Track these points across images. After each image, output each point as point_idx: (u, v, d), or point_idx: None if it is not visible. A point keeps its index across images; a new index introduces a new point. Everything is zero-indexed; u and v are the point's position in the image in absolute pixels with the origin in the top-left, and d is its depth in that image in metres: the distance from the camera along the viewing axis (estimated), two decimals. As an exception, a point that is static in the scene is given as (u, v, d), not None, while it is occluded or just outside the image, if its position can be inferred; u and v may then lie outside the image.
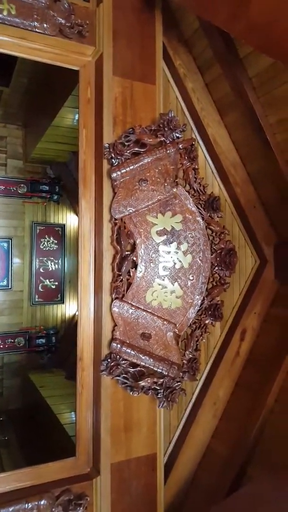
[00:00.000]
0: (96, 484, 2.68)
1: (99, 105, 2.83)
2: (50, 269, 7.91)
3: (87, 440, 2.81)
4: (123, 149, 2.72)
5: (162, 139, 2.80)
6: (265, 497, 2.11)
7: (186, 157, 2.93)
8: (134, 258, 2.75)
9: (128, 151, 2.74)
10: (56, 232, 8.05)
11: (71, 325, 7.74)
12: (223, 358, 3.28)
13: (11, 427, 6.58)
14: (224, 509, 2.31)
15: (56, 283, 7.96)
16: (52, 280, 7.91)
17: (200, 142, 3.31)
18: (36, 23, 2.58)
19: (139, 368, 2.73)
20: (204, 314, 2.98)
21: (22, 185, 7.59)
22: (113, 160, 2.70)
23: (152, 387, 2.72)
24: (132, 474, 2.76)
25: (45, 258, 7.88)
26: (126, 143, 2.74)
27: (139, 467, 2.79)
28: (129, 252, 2.75)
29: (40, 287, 7.78)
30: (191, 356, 2.93)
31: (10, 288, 7.60)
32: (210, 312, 2.99)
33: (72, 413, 5.46)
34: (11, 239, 7.62)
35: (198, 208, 2.97)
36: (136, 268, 2.76)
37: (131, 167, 2.72)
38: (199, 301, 2.95)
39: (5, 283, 7.51)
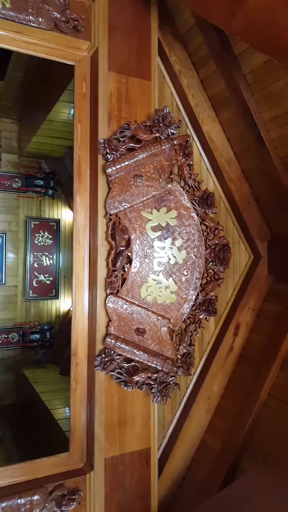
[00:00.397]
0: (89, 479, 2.69)
1: (94, 100, 2.83)
2: (45, 264, 7.91)
3: (81, 435, 2.82)
4: (118, 145, 2.72)
5: (157, 135, 2.80)
6: (258, 489, 2.13)
7: (181, 153, 2.93)
8: (129, 254, 2.76)
9: (123, 147, 2.74)
10: (51, 227, 8.04)
11: (66, 320, 7.75)
12: (217, 353, 3.30)
13: (5, 423, 6.58)
14: (217, 502, 2.33)
15: (51, 278, 7.95)
16: (47, 275, 7.91)
17: (195, 138, 3.32)
18: (31, 17, 2.57)
19: (133, 363, 2.74)
20: (198, 309, 3.00)
21: (16, 179, 7.57)
22: (108, 156, 2.70)
23: (146, 382, 2.73)
24: (126, 469, 2.78)
25: (40, 253, 7.87)
26: (121, 139, 2.74)
27: (133, 462, 2.81)
28: (124, 248, 2.76)
29: (34, 282, 7.77)
30: (185, 351, 2.94)
31: (4, 283, 7.59)
32: (204, 308, 3.01)
33: (66, 408, 5.48)
34: (5, 234, 7.60)
35: (193, 204, 2.98)
36: (130, 264, 2.76)
37: (126, 163, 2.72)
38: (194, 297, 2.97)
39: (-1, 278, 7.51)
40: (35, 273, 7.80)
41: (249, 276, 3.40)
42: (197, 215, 2.99)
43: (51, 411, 5.45)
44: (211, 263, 3.06)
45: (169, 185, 2.86)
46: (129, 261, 2.77)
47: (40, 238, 7.89)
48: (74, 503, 2.56)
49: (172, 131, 2.84)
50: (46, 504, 2.50)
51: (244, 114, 2.94)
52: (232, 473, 2.93)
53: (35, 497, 2.48)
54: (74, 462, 2.78)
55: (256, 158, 3.12)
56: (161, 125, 2.80)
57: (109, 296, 2.70)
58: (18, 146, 7.73)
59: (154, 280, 2.83)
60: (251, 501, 2.08)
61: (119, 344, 2.68)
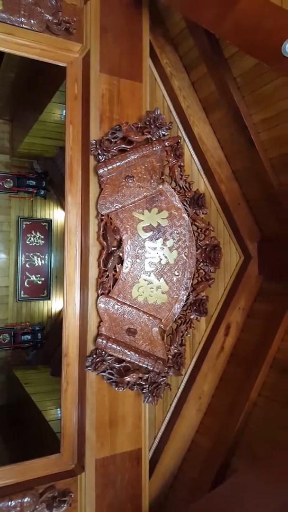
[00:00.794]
0: (80, 480, 2.68)
1: (86, 102, 2.84)
2: (36, 264, 7.88)
3: (72, 436, 2.81)
4: (109, 146, 2.73)
5: (149, 136, 2.82)
6: (249, 489, 2.14)
7: (172, 155, 2.95)
8: (120, 254, 2.77)
9: (114, 148, 2.75)
10: (43, 227, 8.02)
11: (57, 321, 7.73)
12: (208, 353, 3.32)
13: (-4, 424, 6.55)
14: (207, 502, 2.34)
15: (42, 279, 7.93)
16: (38, 275, 7.89)
17: (186, 140, 3.34)
18: (23, 19, 2.58)
19: (124, 364, 2.75)
20: (189, 310, 3.02)
21: (8, 179, 7.55)
22: (99, 157, 2.71)
23: (138, 382, 2.74)
24: (117, 470, 2.78)
25: (31, 254, 7.84)
26: (112, 140, 2.75)
27: (124, 463, 2.81)
28: (115, 248, 2.77)
29: (26, 283, 7.75)
30: (176, 351, 2.96)
31: (-4, 284, 7.56)
32: (195, 308, 3.03)
33: (57, 409, 5.47)
34: (-4, 234, 7.57)
35: (184, 204, 3.00)
36: (122, 264, 2.77)
37: (118, 164, 2.73)
38: (185, 297, 2.99)
39: (-10, 279, 7.47)
40: (27, 273, 7.77)
41: (240, 276, 3.43)
42: (188, 216, 3.01)
43: (42, 412, 5.43)
44: (202, 264, 3.09)
45: (160, 186, 2.88)
46: (121, 261, 2.78)
47: (31, 238, 7.86)
48: (65, 505, 2.54)
49: (163, 132, 2.86)
50: (37, 506, 2.47)
51: (235, 116, 2.97)
52: (223, 473, 2.95)
53: (26, 499, 2.45)
54: (65, 463, 2.77)
55: (246, 160, 3.16)
56: (152, 126, 2.82)
57: (100, 297, 2.71)
58: (10, 146, 7.71)
59: (145, 280, 2.84)
60: (241, 500, 2.09)
61: (110, 344, 2.68)
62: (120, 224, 2.77)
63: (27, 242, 7.82)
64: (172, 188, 2.96)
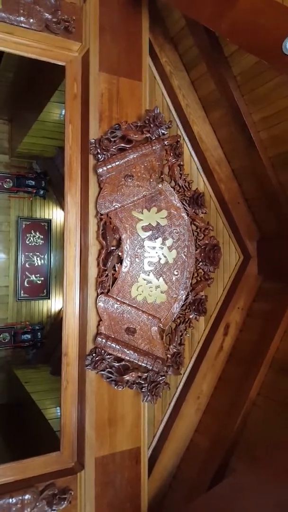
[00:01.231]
0: (80, 478, 2.69)
1: (85, 101, 2.84)
2: (36, 264, 7.88)
3: (71, 435, 2.82)
4: (109, 145, 2.73)
5: (148, 135, 2.82)
6: (246, 490, 2.14)
7: (171, 154, 2.95)
8: (120, 253, 2.77)
9: (114, 147, 2.75)
10: (42, 227, 8.02)
11: (57, 320, 7.74)
12: (207, 352, 3.32)
13: (-4, 423, 6.56)
14: (205, 502, 2.34)
15: (42, 278, 7.93)
16: (38, 275, 7.88)
17: (186, 138, 3.34)
18: (22, 18, 2.58)
19: (123, 363, 2.75)
20: (188, 309, 3.02)
21: (8, 179, 7.54)
22: (99, 156, 2.71)
23: (137, 381, 2.75)
24: (116, 468, 2.78)
25: (31, 253, 7.84)
26: (112, 139, 2.75)
27: (123, 461, 2.81)
28: (114, 247, 2.77)
29: (25, 283, 7.74)
30: (175, 350, 2.96)
31: (-5, 284, 7.56)
32: (194, 307, 3.03)
33: (57, 408, 5.47)
34: (-4, 234, 7.57)
35: (183, 204, 3.00)
36: (121, 263, 2.77)
37: (117, 163, 2.73)
38: (184, 296, 2.99)
39: (-10, 278, 7.47)
40: (27, 273, 7.77)
41: (239, 276, 3.43)
42: (188, 215, 3.01)
43: (42, 411, 5.43)
44: (201, 263, 3.09)
45: (160, 185, 2.88)
46: (120, 260, 2.78)
47: (31, 238, 7.86)
48: (65, 502, 2.55)
49: (163, 131, 2.86)
50: (37, 504, 2.49)
51: (234, 115, 2.97)
52: (221, 472, 2.95)
53: (26, 497, 2.47)
54: (65, 461, 2.78)
55: (246, 159, 3.15)
56: (151, 125, 2.81)
57: (99, 296, 2.71)
58: (9, 146, 7.70)
59: (144, 279, 2.84)
60: (239, 500, 2.09)
61: (110, 343, 2.68)
62: (119, 224, 2.77)
63: (26, 242, 7.82)
64: (172, 187, 2.96)
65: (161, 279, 2.90)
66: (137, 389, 2.75)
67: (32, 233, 7.87)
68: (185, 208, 3.00)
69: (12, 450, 5.21)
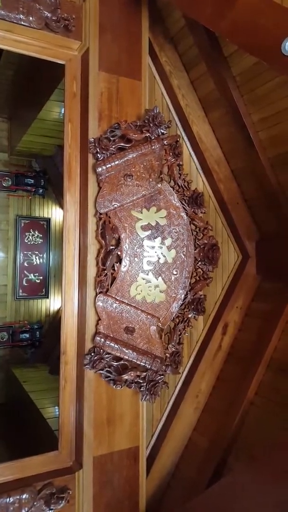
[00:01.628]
0: (78, 477, 2.69)
1: (84, 100, 2.84)
2: (35, 263, 7.88)
3: (70, 434, 2.82)
4: (108, 144, 2.73)
5: (147, 134, 2.82)
6: (244, 489, 2.14)
7: (171, 153, 2.95)
8: (119, 253, 2.77)
9: (113, 146, 2.75)
10: (41, 226, 8.01)
11: (56, 319, 7.73)
12: (206, 351, 3.33)
13: (-6, 422, 6.55)
14: (203, 502, 2.34)
15: (41, 277, 7.92)
16: (37, 274, 7.88)
17: (185, 138, 3.34)
18: (22, 16, 2.57)
19: (122, 362, 2.75)
20: (187, 308, 3.02)
21: (6, 178, 7.53)
22: (98, 155, 2.71)
23: (135, 380, 2.75)
24: (114, 467, 2.79)
25: (30, 252, 7.83)
26: (111, 138, 2.75)
27: (122, 460, 2.82)
28: (113, 247, 2.77)
29: (24, 282, 7.74)
30: (174, 349, 2.96)
31: (-6, 282, 7.55)
32: (193, 306, 3.03)
33: (56, 407, 5.47)
34: (-6, 232, 7.56)
35: (182, 203, 3.00)
36: (120, 263, 2.78)
37: (116, 162, 2.73)
38: (183, 296, 2.99)
39: (-12, 277, 7.47)
40: (25, 272, 7.77)
41: (238, 276, 3.43)
42: (187, 215, 3.01)
43: (40, 410, 5.43)
44: (200, 263, 3.09)
45: (159, 185, 2.88)
46: (119, 260, 2.78)
47: (30, 237, 7.85)
48: (63, 502, 2.56)
49: (162, 131, 2.86)
50: (35, 503, 2.50)
51: (234, 115, 2.97)
52: (220, 471, 2.96)
53: (24, 496, 2.47)
54: (63, 461, 2.78)
55: (245, 159, 3.16)
56: (151, 125, 2.81)
57: (98, 295, 2.71)
58: (9, 144, 7.69)
59: (143, 279, 2.84)
60: (237, 499, 2.10)
61: (108, 342, 2.69)
62: (118, 223, 2.77)
63: (25, 240, 7.81)
64: (171, 187, 2.97)
65: (160, 278, 2.90)
66: (135, 388, 2.75)
67: (31, 232, 7.86)
68: (184, 208, 3.00)
69: (10, 449, 5.21)
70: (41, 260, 7.95)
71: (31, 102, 6.05)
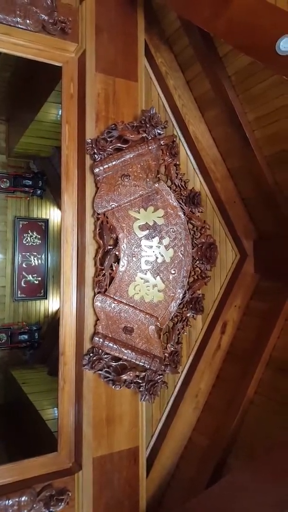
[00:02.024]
0: (78, 478, 2.69)
1: (82, 101, 2.85)
2: (33, 264, 7.87)
3: (69, 435, 2.82)
4: (105, 145, 2.74)
5: (144, 135, 2.83)
6: (243, 489, 2.15)
7: (167, 153, 2.96)
8: (117, 253, 2.78)
9: (110, 147, 2.76)
10: (39, 227, 8.01)
11: (54, 321, 7.72)
12: (205, 351, 3.33)
13: (-7, 424, 6.54)
14: (203, 501, 2.34)
15: (39, 278, 7.92)
16: (35, 275, 7.87)
17: (182, 138, 3.35)
18: (19, 19, 2.58)
19: (121, 362, 2.76)
20: (186, 308, 3.03)
21: (5, 179, 7.53)
22: (95, 156, 2.72)
23: (134, 380, 2.75)
24: (114, 468, 2.79)
25: (28, 253, 7.83)
26: (108, 139, 2.76)
27: (121, 461, 2.82)
28: (111, 247, 2.78)
29: (22, 283, 7.73)
30: (173, 349, 2.97)
31: (-8, 284, 7.55)
32: (191, 306, 3.04)
33: (55, 409, 5.46)
34: (-7, 234, 7.56)
35: (180, 203, 3.01)
36: (118, 263, 2.78)
37: (114, 163, 2.74)
38: (181, 295, 3.00)
39: (-13, 279, 7.46)
40: (24, 273, 7.76)
41: (236, 274, 3.44)
42: (184, 214, 3.02)
43: (39, 412, 5.43)
44: (198, 262, 3.10)
45: (156, 185, 2.89)
46: (117, 260, 2.79)
47: (28, 238, 7.85)
48: (62, 504, 2.55)
49: (159, 131, 2.87)
50: (34, 505, 2.48)
51: (229, 115, 2.98)
52: (219, 471, 2.96)
53: (23, 498, 2.46)
54: (63, 462, 2.78)
55: (241, 158, 3.17)
56: (147, 125, 2.82)
57: (97, 295, 2.72)
58: (7, 146, 7.69)
59: (141, 278, 2.85)
60: (237, 499, 2.10)
61: (107, 343, 2.69)
62: (116, 223, 2.78)
63: (23, 241, 7.81)
64: (168, 186, 2.98)
65: (158, 278, 2.91)
66: (135, 388, 2.76)
67: (29, 233, 7.86)
68: (181, 207, 3.01)
69: (9, 451, 5.20)
70: (39, 261, 7.95)
71: (28, 104, 6.06)
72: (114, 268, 2.78)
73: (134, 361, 2.76)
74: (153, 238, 2.89)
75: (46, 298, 8.03)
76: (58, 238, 7.70)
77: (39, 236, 7.96)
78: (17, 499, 2.45)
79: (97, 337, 2.68)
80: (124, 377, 2.72)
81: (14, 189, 7.66)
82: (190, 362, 3.39)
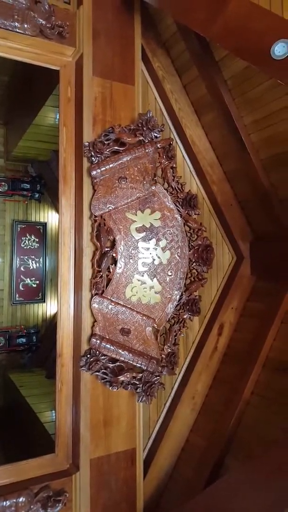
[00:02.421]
0: (75, 480, 2.69)
1: (79, 105, 2.88)
2: (31, 267, 7.87)
3: (66, 436, 2.83)
4: (102, 148, 2.76)
5: (141, 138, 2.85)
6: (241, 488, 2.16)
7: (164, 156, 2.99)
8: (114, 255, 2.80)
9: (107, 150, 2.78)
10: (37, 231, 8.02)
11: (52, 324, 7.71)
12: (202, 352, 3.35)
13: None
14: (201, 502, 2.35)
15: (37, 281, 7.92)
16: (33, 279, 7.88)
17: (178, 141, 3.38)
18: (16, 24, 2.61)
19: (118, 363, 2.77)
20: (183, 309, 3.05)
21: (3, 183, 7.54)
22: (93, 159, 2.74)
23: (131, 381, 2.76)
24: (111, 469, 2.79)
25: (26, 257, 7.83)
26: (105, 142, 2.79)
27: (119, 462, 2.82)
28: (108, 249, 2.79)
29: (20, 286, 7.73)
30: (169, 350, 2.98)
31: (-10, 288, 7.55)
32: (188, 307, 3.06)
33: (52, 411, 5.46)
34: (-9, 237, 7.57)
35: (176, 205, 3.04)
36: (115, 264, 2.80)
37: (111, 165, 2.77)
38: (178, 297, 3.02)
39: (-15, 282, 7.46)
40: (22, 276, 7.76)
41: (232, 276, 3.46)
42: (181, 216, 3.05)
43: (37, 414, 5.42)
44: (194, 264, 3.12)
45: (153, 187, 2.92)
46: (114, 262, 2.81)
47: (26, 241, 7.86)
48: (60, 505, 2.55)
49: (156, 134, 2.89)
50: (32, 506, 2.48)
51: (226, 118, 3.01)
52: (217, 471, 2.97)
53: (21, 499, 2.46)
54: (60, 463, 2.78)
55: (237, 161, 3.19)
56: (144, 128, 2.85)
57: (94, 297, 2.73)
58: (5, 150, 7.71)
59: (138, 280, 2.87)
60: (235, 498, 2.11)
61: (104, 344, 2.71)
62: (113, 225, 2.80)
63: (22, 245, 7.81)
64: (165, 189, 3.00)
65: (155, 279, 2.93)
66: (132, 390, 2.77)
67: (27, 237, 7.87)
68: (178, 210, 3.04)
69: (7, 453, 5.19)
70: (37, 264, 7.95)
71: (26, 108, 6.08)
72: (111, 270, 2.80)
73: (131, 362, 2.77)
74: (150, 240, 2.91)
75: (44, 301, 8.04)
76: (56, 241, 7.69)
77: (37, 240, 7.97)
78: (14, 500, 2.44)
79: (95, 338, 2.69)
80: (121, 378, 2.73)
81: (12, 193, 7.67)
82: (187, 363, 3.40)
